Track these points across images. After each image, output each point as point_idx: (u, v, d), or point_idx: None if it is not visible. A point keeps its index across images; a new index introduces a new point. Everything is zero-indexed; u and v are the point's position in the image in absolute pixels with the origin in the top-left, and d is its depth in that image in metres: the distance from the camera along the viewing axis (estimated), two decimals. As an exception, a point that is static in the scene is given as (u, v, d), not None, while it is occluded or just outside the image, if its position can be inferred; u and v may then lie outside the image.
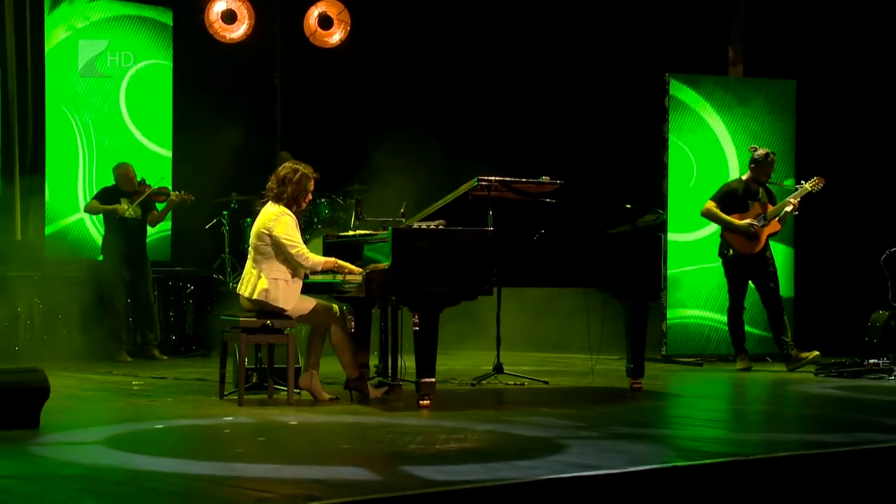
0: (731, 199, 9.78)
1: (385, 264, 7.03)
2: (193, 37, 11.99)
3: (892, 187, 11.21)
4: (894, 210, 10.93)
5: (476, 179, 7.22)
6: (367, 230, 8.14)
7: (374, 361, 8.17)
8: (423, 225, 7.14)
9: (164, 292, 11.05)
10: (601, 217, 7.94)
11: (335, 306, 7.30)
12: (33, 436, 5.72)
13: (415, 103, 12.68)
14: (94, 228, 10.99)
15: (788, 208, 9.66)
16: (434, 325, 7.01)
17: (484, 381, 8.48)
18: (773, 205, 9.76)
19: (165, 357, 10.53)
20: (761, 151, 9.82)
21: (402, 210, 7.87)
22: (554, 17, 12.86)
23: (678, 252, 10.69)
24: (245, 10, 12.20)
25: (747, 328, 10.05)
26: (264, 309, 7.14)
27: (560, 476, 4.66)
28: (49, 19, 10.94)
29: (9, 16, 10.84)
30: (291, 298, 7.17)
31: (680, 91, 10.79)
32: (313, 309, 7.22)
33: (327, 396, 7.30)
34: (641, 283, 7.82)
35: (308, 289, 7.45)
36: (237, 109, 11.74)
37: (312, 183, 7.36)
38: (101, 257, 10.62)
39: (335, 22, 12.80)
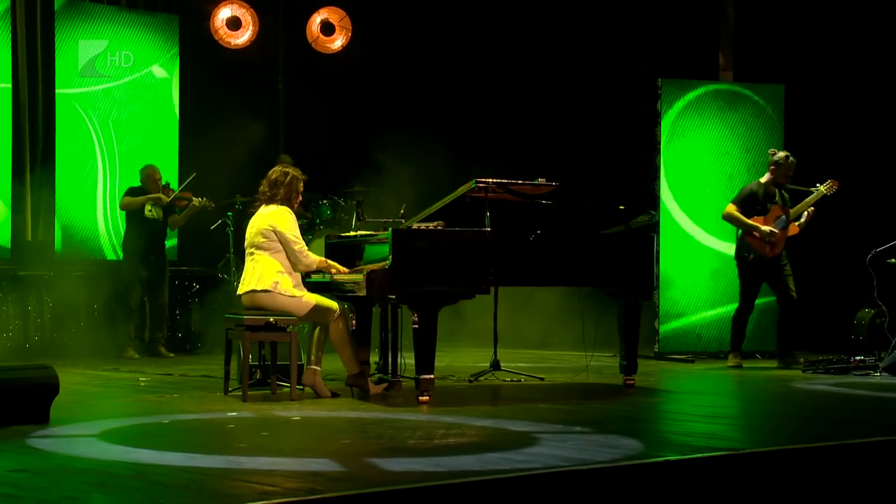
0: (751, 202, 9.76)
1: (384, 264, 7.12)
2: (199, 43, 12.08)
3: (879, 189, 11.28)
4: (880, 211, 10.98)
5: (474, 181, 7.27)
6: (368, 231, 8.18)
7: (374, 358, 8.19)
8: (423, 225, 7.19)
9: (171, 291, 11.10)
10: (595, 218, 7.97)
11: (335, 304, 7.37)
12: (43, 430, 5.74)
13: (414, 107, 12.76)
14: (104, 229, 11.08)
15: (810, 210, 9.69)
16: (433, 323, 7.05)
17: (481, 378, 8.52)
18: (792, 207, 9.75)
19: (172, 354, 10.60)
20: (781, 154, 9.77)
21: (402, 211, 7.92)
22: (549, 24, 12.93)
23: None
24: (249, 17, 12.32)
25: None
26: (270, 303, 7.23)
27: (555, 470, 4.68)
28: (58, 26, 11.04)
29: (20, 25, 10.95)
30: (299, 287, 7.32)
31: (672, 96, 10.89)
32: (315, 307, 7.29)
33: (328, 394, 7.38)
34: (634, 282, 7.89)
35: (310, 287, 7.52)
36: (241, 113, 11.81)
37: (302, 184, 7.51)
38: (120, 255, 10.71)
39: (337, 28, 12.93)
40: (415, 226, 7.23)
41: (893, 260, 9.56)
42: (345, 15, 12.94)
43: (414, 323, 7.07)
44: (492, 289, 7.82)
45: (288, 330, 7.27)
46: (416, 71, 13.11)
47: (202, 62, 12.06)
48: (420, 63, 13.10)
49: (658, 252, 10.02)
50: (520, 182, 7.52)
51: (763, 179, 9.86)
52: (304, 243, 7.34)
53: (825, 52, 11.60)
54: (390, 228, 7.11)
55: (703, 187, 10.86)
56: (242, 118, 11.74)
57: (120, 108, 11.33)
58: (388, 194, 10.42)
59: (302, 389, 7.44)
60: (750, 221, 9.70)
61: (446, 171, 10.37)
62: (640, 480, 4.85)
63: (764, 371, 9.57)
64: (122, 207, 10.61)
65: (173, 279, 11.20)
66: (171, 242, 11.41)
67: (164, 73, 11.61)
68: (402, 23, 13.09)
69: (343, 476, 4.64)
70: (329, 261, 7.47)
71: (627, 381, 8.10)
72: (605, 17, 12.64)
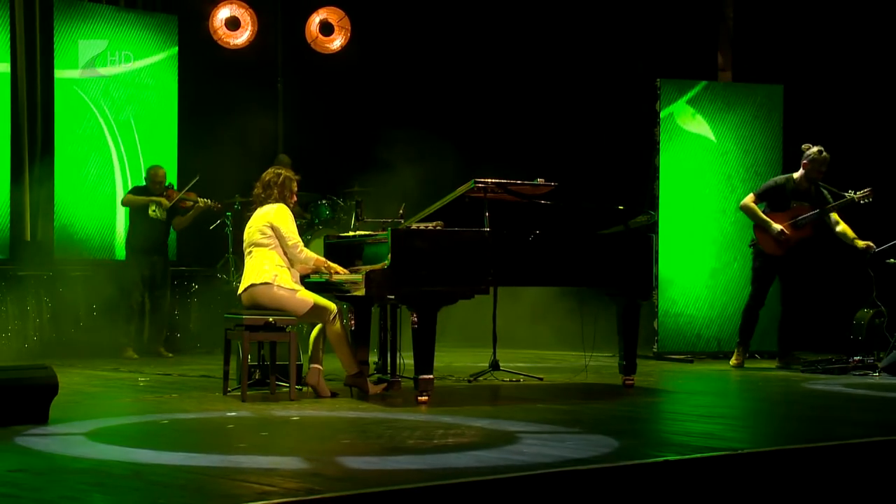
0: (773, 194, 9.66)
1: (383, 264, 7.12)
2: (198, 43, 12.09)
3: (879, 189, 11.28)
4: (879, 211, 11.00)
5: (473, 181, 7.28)
6: (367, 231, 8.20)
7: (373, 358, 8.21)
8: (422, 226, 7.20)
9: (170, 291, 11.18)
10: (594, 218, 7.98)
11: (332, 304, 7.38)
12: (42, 430, 5.75)
13: (413, 107, 12.78)
14: (102, 229, 11.08)
15: (839, 214, 9.54)
16: (432, 323, 7.07)
17: (481, 378, 8.53)
18: (823, 206, 9.59)
19: (171, 354, 10.62)
20: (814, 149, 9.59)
21: (401, 211, 7.93)
22: (549, 25, 12.95)
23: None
24: (248, 17, 12.34)
25: None
26: (269, 296, 7.24)
27: (554, 470, 4.69)
28: (57, 24, 11.04)
29: (19, 26, 10.96)
30: (297, 283, 7.34)
31: (671, 96, 10.90)
32: (313, 306, 7.30)
33: (329, 393, 7.38)
34: (633, 282, 7.90)
35: (309, 287, 7.50)
36: (240, 113, 11.86)
37: (295, 184, 7.57)
38: (122, 255, 10.73)
39: (336, 28, 12.95)
40: (414, 226, 7.24)
41: (893, 260, 9.56)
42: (344, 15, 12.95)
43: (413, 323, 7.07)
44: (491, 289, 7.81)
45: (287, 330, 7.28)
46: (415, 71, 13.13)
47: (202, 62, 12.06)
48: (419, 63, 13.11)
49: (657, 252, 10.04)
50: (519, 182, 7.52)
51: (796, 175, 9.71)
52: (300, 240, 7.38)
53: (824, 52, 11.63)
54: (389, 228, 7.12)
55: (701, 187, 10.87)
56: (242, 118, 11.74)
57: (119, 109, 11.32)
58: (388, 194, 10.43)
59: (301, 389, 7.45)
60: (763, 216, 9.63)
61: (445, 171, 10.39)
62: (639, 481, 4.85)
63: (764, 371, 9.57)
64: (124, 203, 10.64)
65: (173, 279, 11.21)
66: (170, 242, 11.41)
67: (163, 73, 11.58)
68: (401, 23, 13.11)
69: (343, 476, 4.64)
70: (328, 261, 7.47)
71: (627, 382, 8.11)
72: (605, 17, 12.66)
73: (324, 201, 11.19)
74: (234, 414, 6.57)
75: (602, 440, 5.66)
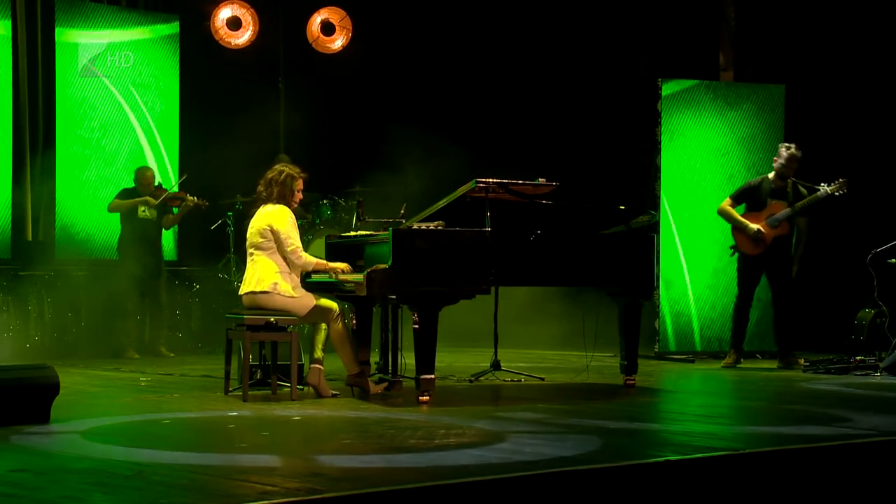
0: (748, 195, 9.77)
1: (385, 264, 7.14)
2: (199, 43, 12.10)
3: (878, 189, 11.30)
4: (880, 211, 11.01)
5: (474, 181, 7.28)
6: (369, 231, 8.20)
7: (374, 358, 8.21)
8: (423, 226, 7.19)
9: (171, 291, 11.15)
10: (596, 218, 7.99)
11: (334, 304, 7.39)
12: (43, 430, 5.77)
13: (414, 107, 12.79)
14: (103, 229, 11.09)
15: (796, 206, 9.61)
16: (433, 323, 7.07)
17: (482, 378, 8.54)
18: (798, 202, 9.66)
19: (172, 354, 10.63)
20: (783, 146, 9.74)
21: (402, 211, 7.95)
22: (550, 24, 12.95)
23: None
24: (250, 17, 12.34)
25: None
26: (270, 304, 7.25)
27: (555, 470, 4.69)
28: (59, 27, 11.05)
29: (20, 26, 10.97)
30: (298, 288, 7.33)
31: (672, 96, 10.89)
32: (314, 307, 7.31)
33: (330, 393, 7.40)
34: (635, 282, 7.90)
35: (310, 287, 7.54)
36: (242, 113, 11.85)
37: (300, 182, 7.49)
38: (116, 256, 10.76)
39: (337, 28, 12.95)
40: (415, 226, 7.24)
41: (893, 260, 9.56)
42: (345, 15, 12.96)
43: (414, 323, 7.08)
44: (492, 289, 7.82)
45: (288, 330, 7.29)
46: (417, 71, 13.13)
47: (202, 62, 12.06)
48: (420, 63, 13.12)
49: (658, 252, 10.04)
50: (520, 182, 7.52)
51: (771, 175, 9.82)
52: (298, 244, 7.32)
53: (826, 52, 11.63)
54: (390, 228, 7.13)
55: (703, 187, 10.87)
56: (243, 118, 11.75)
57: (120, 108, 11.32)
58: (389, 194, 10.44)
59: (302, 389, 7.46)
60: (739, 218, 9.71)
61: (447, 171, 10.37)
62: (640, 481, 4.86)
63: (764, 371, 9.57)
64: (111, 210, 10.63)
65: (173, 279, 11.22)
66: (171, 242, 11.44)
67: (164, 72, 11.59)
68: (402, 23, 13.12)
69: (343, 476, 4.64)
70: (329, 263, 7.45)
71: (628, 381, 8.12)
72: (606, 17, 12.66)
73: (325, 201, 11.20)
74: (235, 414, 6.58)
75: (603, 440, 5.66)
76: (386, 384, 7.74)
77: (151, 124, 11.52)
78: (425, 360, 7.08)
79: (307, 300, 7.32)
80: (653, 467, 4.96)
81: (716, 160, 10.94)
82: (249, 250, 7.44)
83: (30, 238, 11.09)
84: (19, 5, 11.00)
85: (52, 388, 6.07)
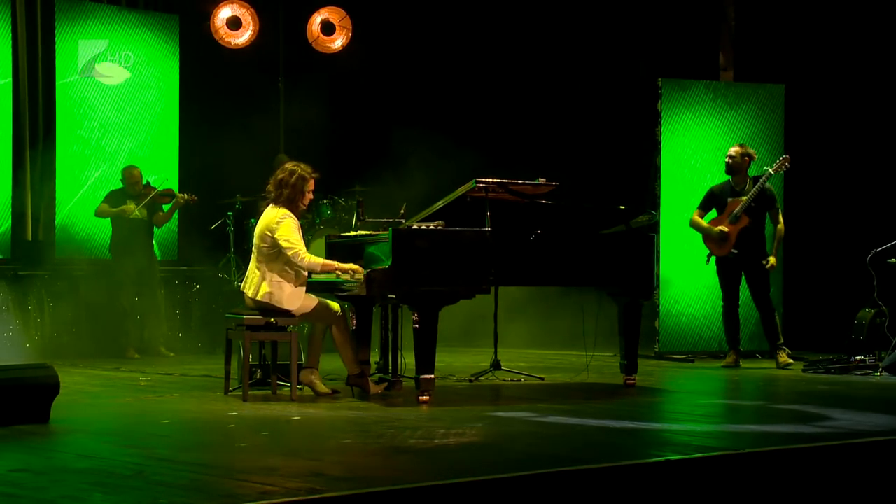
0: (712, 201, 9.87)
1: (385, 264, 7.14)
2: (199, 43, 12.10)
3: (878, 188, 11.30)
4: (880, 210, 11.00)
5: (474, 181, 7.28)
6: (369, 230, 8.19)
7: (374, 358, 8.21)
8: (423, 225, 7.20)
9: (171, 291, 11.16)
10: (596, 218, 8.00)
11: (336, 305, 7.39)
12: (43, 430, 5.79)
13: (415, 107, 12.80)
14: (103, 229, 11.07)
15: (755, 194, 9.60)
16: (433, 323, 7.07)
17: (482, 378, 8.54)
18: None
19: (172, 354, 10.63)
20: (733, 145, 9.89)
21: (402, 211, 7.95)
22: (551, 25, 12.95)
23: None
24: (249, 17, 12.34)
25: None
26: (267, 308, 7.27)
27: (555, 470, 4.68)
28: (58, 24, 11.05)
29: (21, 27, 10.96)
30: (295, 300, 7.27)
31: (672, 96, 10.89)
32: (315, 307, 7.31)
33: (327, 391, 7.40)
34: (635, 281, 7.90)
35: (311, 287, 7.50)
36: (242, 113, 11.86)
37: (312, 183, 7.42)
38: (109, 256, 10.77)
39: (337, 28, 12.95)
40: (415, 226, 7.24)
41: (893, 260, 9.56)
42: (345, 15, 12.96)
43: (414, 323, 7.08)
44: (492, 289, 7.82)
45: (288, 330, 7.29)
46: (417, 71, 13.14)
47: (202, 62, 12.07)
48: (420, 63, 13.12)
49: (658, 251, 10.04)
50: (520, 182, 7.53)
51: (731, 177, 9.88)
52: (301, 247, 7.23)
53: (826, 52, 11.63)
54: (390, 228, 7.13)
55: (703, 187, 10.85)
56: (243, 118, 11.75)
57: (120, 108, 11.32)
58: (389, 194, 10.44)
59: (301, 389, 7.46)
60: (704, 225, 9.81)
61: (447, 170, 10.37)
62: (640, 481, 4.86)
63: (764, 371, 9.57)
64: (97, 215, 10.62)
65: (174, 279, 11.23)
66: (171, 242, 11.43)
67: (164, 72, 11.59)
68: (402, 23, 13.12)
69: (343, 476, 4.65)
70: (335, 262, 7.37)
71: (628, 381, 8.12)
72: (606, 17, 12.66)
73: (325, 201, 11.21)
74: (235, 413, 6.59)
75: (603, 440, 5.68)
76: (386, 384, 7.74)
77: (151, 124, 11.51)
78: (425, 360, 7.08)
79: (308, 301, 7.32)
80: (653, 467, 4.96)
81: (716, 160, 10.93)
82: (254, 249, 7.42)
83: (30, 238, 11.08)
84: (19, 5, 11.00)
85: (52, 388, 6.08)
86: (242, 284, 7.46)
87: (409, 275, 7.04)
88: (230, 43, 12.36)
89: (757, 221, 9.73)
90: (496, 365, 8.66)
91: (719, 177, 10.84)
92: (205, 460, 5.07)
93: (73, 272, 10.72)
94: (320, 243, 8.86)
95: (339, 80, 13.02)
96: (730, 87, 11.18)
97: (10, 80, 10.61)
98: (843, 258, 10.91)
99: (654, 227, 9.59)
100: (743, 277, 9.86)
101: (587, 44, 12.75)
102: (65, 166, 11.00)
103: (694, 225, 9.95)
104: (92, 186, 11.09)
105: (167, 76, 11.63)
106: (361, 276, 7.16)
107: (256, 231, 7.39)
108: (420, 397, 7.06)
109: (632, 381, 8.11)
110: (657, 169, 10.83)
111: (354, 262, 7.59)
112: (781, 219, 9.77)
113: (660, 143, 10.81)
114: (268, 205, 7.43)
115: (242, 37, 12.38)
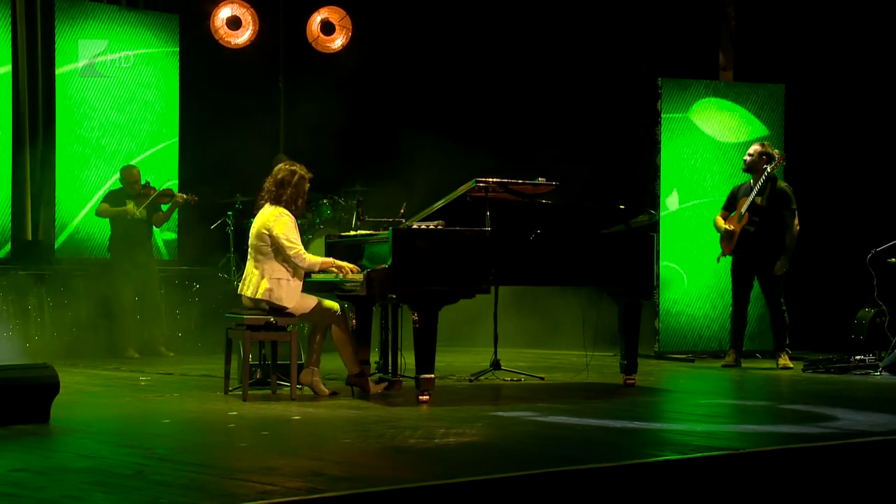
0: (731, 200, 9.89)
1: (385, 263, 7.14)
2: (199, 42, 12.10)
3: (878, 188, 11.31)
4: (880, 210, 11.01)
5: (474, 181, 7.29)
6: (368, 230, 8.19)
7: (374, 358, 8.21)
8: (423, 225, 7.20)
9: (171, 290, 11.18)
10: (596, 217, 7.99)
11: (336, 304, 7.39)
12: (43, 430, 5.80)
13: (415, 106, 12.80)
14: (103, 229, 11.08)
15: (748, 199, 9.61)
16: (433, 322, 7.08)
17: (482, 377, 8.55)
18: (759, 196, 9.66)
19: (172, 353, 10.63)
20: (754, 143, 9.89)
21: (402, 210, 7.94)
22: (550, 24, 12.96)
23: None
24: (250, 17, 12.35)
25: None
26: (267, 306, 7.27)
27: (554, 469, 4.69)
28: (58, 23, 11.05)
29: (20, 25, 10.97)
30: (294, 296, 7.28)
31: (672, 95, 10.90)
32: (315, 307, 7.31)
33: (327, 391, 7.40)
34: (635, 281, 7.91)
35: (310, 287, 7.53)
36: (242, 112, 11.86)
37: (308, 184, 7.45)
38: (108, 256, 10.77)
39: (337, 28, 12.96)
40: (415, 225, 7.24)
41: (893, 260, 9.57)
42: (345, 14, 12.97)
43: (414, 322, 7.08)
44: (492, 288, 7.82)
45: (288, 329, 7.29)
46: (417, 70, 13.14)
47: (202, 62, 12.07)
48: (420, 62, 13.13)
49: (658, 251, 10.04)
50: (520, 181, 7.53)
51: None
52: (300, 246, 7.26)
53: (826, 52, 11.64)
54: (390, 228, 7.13)
55: (703, 186, 10.88)
56: (243, 118, 11.75)
57: (120, 108, 11.33)
58: (389, 194, 10.44)
59: (301, 389, 7.46)
60: (718, 223, 9.84)
61: (446, 170, 10.38)
62: (641, 480, 4.86)
63: (764, 371, 9.57)
64: (98, 215, 10.63)
65: (173, 278, 11.23)
66: (172, 242, 11.44)
67: (164, 72, 11.59)
68: (402, 22, 13.13)
69: (343, 476, 4.65)
70: (336, 261, 7.39)
71: (628, 381, 8.13)
72: (606, 17, 12.67)
73: (325, 200, 11.21)
74: (235, 413, 6.59)
75: (603, 440, 5.68)
76: (386, 384, 7.74)
77: (151, 124, 11.51)
78: (425, 360, 7.08)
79: (308, 301, 7.32)
80: (653, 467, 4.96)
81: (716, 160, 10.94)
82: (250, 250, 7.42)
83: (30, 238, 11.09)
84: (19, 5, 11.00)
85: (52, 388, 6.08)
86: (240, 287, 7.44)
87: (409, 274, 7.04)
88: (230, 43, 12.37)
89: (770, 222, 9.64)
90: (496, 364, 8.67)
91: (719, 177, 10.87)
92: (205, 460, 5.07)
93: (72, 272, 10.72)
94: (320, 243, 8.87)
95: (338, 80, 13.02)
96: (730, 87, 11.19)
97: (10, 80, 10.60)
98: (842, 258, 10.91)
99: (654, 226, 9.59)
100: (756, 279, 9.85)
101: (587, 43, 12.75)
102: (65, 166, 11.00)
103: (715, 226, 9.93)
104: (92, 186, 11.09)
105: (167, 76, 11.63)
106: (360, 277, 7.16)
107: (252, 230, 7.38)
108: (420, 397, 7.06)
109: (632, 381, 8.12)
110: (657, 169, 10.83)
111: (354, 263, 7.60)
112: (797, 221, 9.65)
113: (660, 143, 10.82)
114: (264, 204, 7.42)
115: (242, 36, 12.39)
